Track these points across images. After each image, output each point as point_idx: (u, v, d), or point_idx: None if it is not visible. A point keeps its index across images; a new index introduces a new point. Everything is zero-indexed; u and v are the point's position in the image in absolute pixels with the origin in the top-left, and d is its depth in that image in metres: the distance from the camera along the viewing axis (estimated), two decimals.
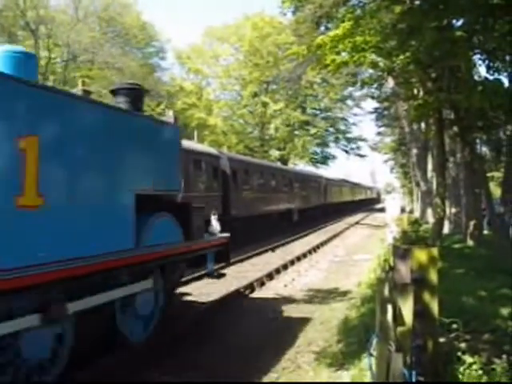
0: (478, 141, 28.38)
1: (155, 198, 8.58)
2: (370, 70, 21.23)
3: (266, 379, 7.45)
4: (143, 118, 9.37)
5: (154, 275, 8.75)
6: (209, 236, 10.90)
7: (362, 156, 72.38)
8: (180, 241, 9.41)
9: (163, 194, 9.05)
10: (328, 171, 67.05)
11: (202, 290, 13.41)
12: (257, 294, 14.04)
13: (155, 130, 9.16)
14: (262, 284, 15.31)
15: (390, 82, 27.22)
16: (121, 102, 8.95)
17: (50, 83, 47.91)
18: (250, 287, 14.49)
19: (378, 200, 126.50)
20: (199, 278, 14.49)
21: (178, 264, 9.74)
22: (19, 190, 5.55)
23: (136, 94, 9.25)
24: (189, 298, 12.51)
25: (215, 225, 11.71)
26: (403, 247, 5.41)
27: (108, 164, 7.31)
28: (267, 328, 10.33)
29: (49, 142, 6.02)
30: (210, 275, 11.73)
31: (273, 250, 24.16)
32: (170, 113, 25.85)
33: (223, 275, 12.23)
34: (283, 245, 26.39)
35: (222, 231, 12.27)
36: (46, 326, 6.08)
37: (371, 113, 56.80)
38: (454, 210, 27.90)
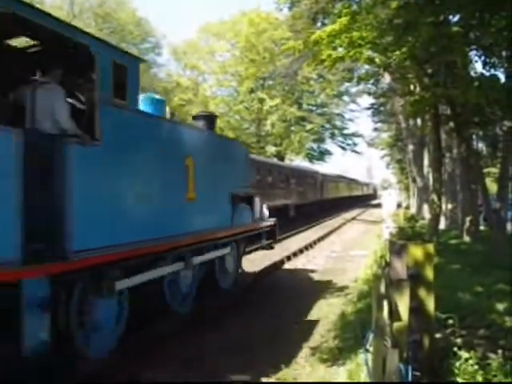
0: (474, 136, 28.42)
1: (237, 194, 12.66)
2: (367, 66, 21.19)
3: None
4: (232, 143, 15.26)
5: (237, 244, 13.15)
6: (261, 220, 14.61)
7: (357, 153, 72.63)
8: (251, 222, 13.70)
9: (241, 191, 13.07)
10: (325, 167, 67.32)
11: None
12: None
13: (238, 151, 13.70)
14: None
15: (387, 78, 27.23)
16: (200, 125, 12.10)
17: None
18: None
19: (374, 196, 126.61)
20: None
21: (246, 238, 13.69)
22: (187, 189, 9.73)
23: (211, 119, 12.62)
24: None
25: (265, 212, 15.22)
26: (399, 243, 5.41)
27: (219, 174, 11.59)
28: (268, 322, 10.35)
29: (196, 161, 10.09)
30: (264, 248, 15.25)
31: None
32: (167, 109, 25.86)
33: (273, 248, 15.59)
34: (280, 240, 26.35)
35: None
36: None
37: (367, 109, 56.75)
38: (450, 206, 27.95)
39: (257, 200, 14.29)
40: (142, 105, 9.52)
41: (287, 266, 18.43)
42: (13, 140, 5.77)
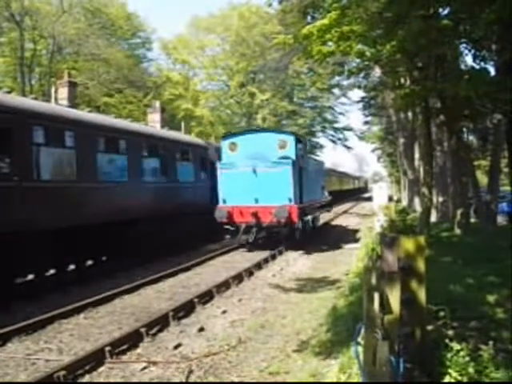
0: (464, 129, 28.49)
1: (322, 185, 29.77)
2: (357, 60, 21.19)
3: None
4: (322, 162, 32.72)
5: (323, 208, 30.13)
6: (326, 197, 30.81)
7: (348, 148, 72.98)
8: (325, 198, 30.96)
9: (323, 183, 30.36)
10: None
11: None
12: (245, 284, 14.13)
13: (323, 164, 32.53)
14: (251, 274, 15.40)
15: (377, 72, 27.26)
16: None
17: (36, 76, 47.65)
18: (239, 277, 14.60)
19: (365, 189, 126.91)
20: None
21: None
22: (316, 183, 27.43)
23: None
24: None
25: (326, 193, 30.47)
26: (390, 235, 5.42)
27: (320, 176, 29.23)
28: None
29: (317, 171, 28.21)
30: (327, 211, 31.16)
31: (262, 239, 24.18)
32: (157, 104, 26.26)
33: (330, 211, 33.34)
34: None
35: None
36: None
37: (358, 102, 56.82)
38: (441, 199, 28.05)
39: (324, 187, 30.94)
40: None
41: (278, 259, 18.48)
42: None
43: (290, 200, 20.20)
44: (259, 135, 22.61)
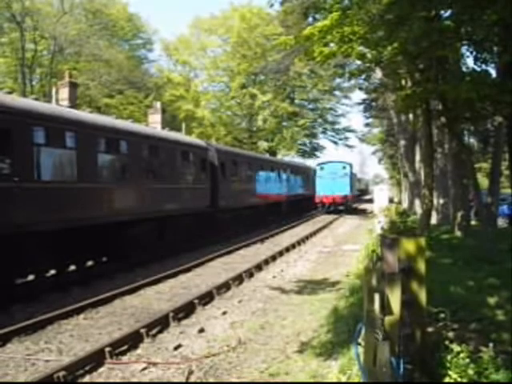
0: (465, 132, 28.46)
1: (356, 186, 62.18)
2: (358, 62, 21.11)
3: None
4: (356, 174, 67.86)
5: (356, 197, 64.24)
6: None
7: (350, 147, 73.04)
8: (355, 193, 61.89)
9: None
10: (317, 162, 68.68)
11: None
12: (245, 286, 14.12)
13: (356, 175, 68.38)
14: (251, 275, 15.39)
15: (378, 73, 27.19)
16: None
17: (36, 76, 47.66)
18: (239, 278, 14.58)
19: (366, 191, 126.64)
20: None
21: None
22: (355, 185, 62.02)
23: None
24: None
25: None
26: (391, 237, 5.41)
27: (356, 183, 63.39)
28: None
29: (354, 181, 59.97)
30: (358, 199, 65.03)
31: (262, 241, 24.18)
32: (158, 105, 26.18)
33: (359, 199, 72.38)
34: (272, 236, 26.45)
35: None
36: None
37: (359, 104, 56.76)
38: (441, 201, 28.00)
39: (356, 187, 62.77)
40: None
41: (278, 261, 18.50)
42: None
43: (349, 192, 46.50)
44: (334, 164, 48.70)
